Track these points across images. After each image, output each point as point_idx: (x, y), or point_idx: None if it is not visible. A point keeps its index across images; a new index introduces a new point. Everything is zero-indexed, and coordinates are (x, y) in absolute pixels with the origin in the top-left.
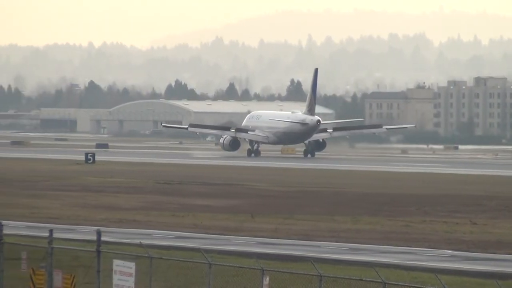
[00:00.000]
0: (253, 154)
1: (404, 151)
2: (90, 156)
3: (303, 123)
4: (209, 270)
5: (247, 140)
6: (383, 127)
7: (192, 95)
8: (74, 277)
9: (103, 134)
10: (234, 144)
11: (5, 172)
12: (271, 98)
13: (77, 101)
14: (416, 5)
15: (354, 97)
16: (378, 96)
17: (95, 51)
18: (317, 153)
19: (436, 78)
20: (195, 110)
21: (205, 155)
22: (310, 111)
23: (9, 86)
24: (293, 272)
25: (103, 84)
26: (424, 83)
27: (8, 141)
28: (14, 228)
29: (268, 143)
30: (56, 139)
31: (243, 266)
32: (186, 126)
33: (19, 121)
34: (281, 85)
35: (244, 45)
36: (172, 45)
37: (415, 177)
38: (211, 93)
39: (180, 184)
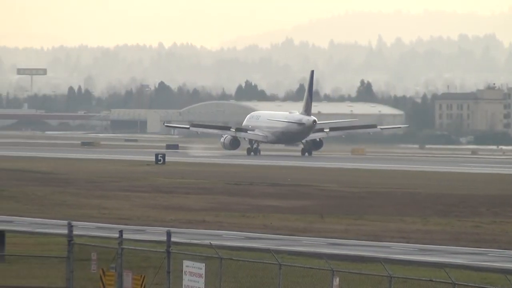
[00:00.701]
0: (252, 153)
1: (474, 152)
2: (160, 157)
3: (300, 123)
4: (279, 271)
5: (246, 139)
6: (378, 127)
7: (262, 96)
8: (144, 278)
9: (173, 135)
10: (234, 143)
11: (76, 173)
12: (341, 99)
13: (147, 102)
14: (486, 6)
15: (424, 98)
16: (448, 97)
17: (165, 52)
18: (314, 152)
19: (506, 79)
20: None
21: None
22: (307, 111)
23: (79, 87)
24: (363, 273)
25: (173, 85)
26: (494, 84)
27: (79, 142)
28: (84, 229)
29: (267, 142)
30: (126, 140)
31: (313, 267)
32: (188, 126)
33: (89, 122)
34: (351, 86)
35: (314, 46)
36: (242, 46)
37: (485, 178)
38: (281, 94)
39: (250, 184)
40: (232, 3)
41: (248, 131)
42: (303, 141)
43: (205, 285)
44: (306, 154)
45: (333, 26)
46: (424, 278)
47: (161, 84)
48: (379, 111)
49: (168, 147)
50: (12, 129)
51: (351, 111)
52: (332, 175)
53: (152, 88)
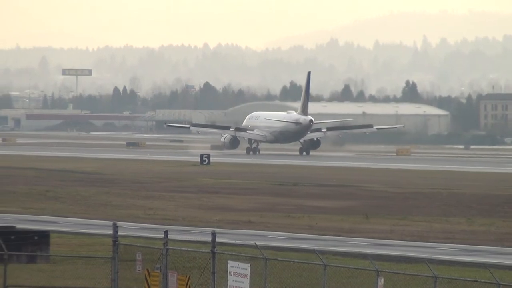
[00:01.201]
0: (251, 152)
1: None
2: (206, 157)
3: (297, 123)
4: (324, 272)
5: (246, 138)
6: (374, 127)
7: None
8: (189, 279)
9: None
10: (233, 143)
11: (121, 173)
12: (386, 99)
13: (192, 102)
14: None
15: (468, 98)
16: (493, 97)
17: (210, 52)
18: (312, 152)
19: None
20: (310, 111)
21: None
22: (304, 111)
23: (125, 88)
24: (408, 274)
25: (218, 86)
26: None
27: (124, 142)
28: (129, 229)
29: (266, 141)
30: (171, 141)
31: (358, 268)
32: (188, 126)
33: (134, 123)
34: (395, 87)
35: (359, 47)
36: (287, 47)
37: None
38: (326, 95)
39: (295, 185)
40: (277, 3)
41: (247, 131)
42: (301, 140)
43: (250, 285)
44: (304, 153)
45: (378, 27)
46: (469, 279)
47: (206, 84)
48: (424, 111)
49: (213, 147)
50: (57, 129)
51: (396, 111)
52: (377, 176)
53: (197, 88)
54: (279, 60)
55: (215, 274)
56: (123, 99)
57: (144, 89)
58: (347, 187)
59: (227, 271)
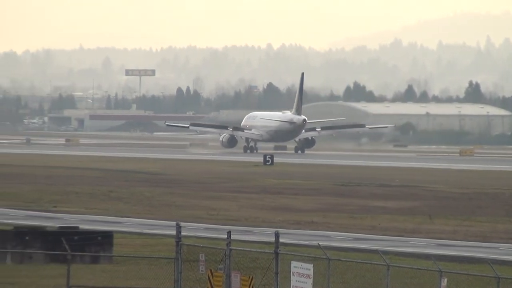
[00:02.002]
0: (248, 151)
1: None
2: (269, 157)
3: (291, 122)
4: (387, 272)
5: (243, 138)
6: (366, 126)
7: (370, 97)
8: (252, 279)
9: None
10: (231, 142)
11: (184, 173)
12: (449, 100)
13: (256, 102)
14: None
15: None
16: None
17: (274, 52)
18: (307, 150)
19: None
20: (373, 112)
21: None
22: (297, 111)
23: (188, 88)
24: (471, 274)
25: (282, 86)
26: None
27: (187, 143)
28: (192, 229)
29: (262, 140)
30: None
31: (421, 268)
32: (187, 125)
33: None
34: (459, 87)
35: (423, 47)
36: (350, 47)
37: None
38: (389, 95)
39: (358, 185)
40: (341, 4)
41: (244, 130)
42: (297, 139)
43: (313, 286)
44: (299, 152)
45: (441, 27)
46: None
47: (270, 85)
48: (487, 112)
49: (276, 148)
50: (120, 130)
51: (459, 111)
52: (441, 176)
53: (261, 89)
54: (342, 60)
55: (278, 274)
56: (187, 100)
57: (208, 90)
58: (411, 188)
59: (290, 272)
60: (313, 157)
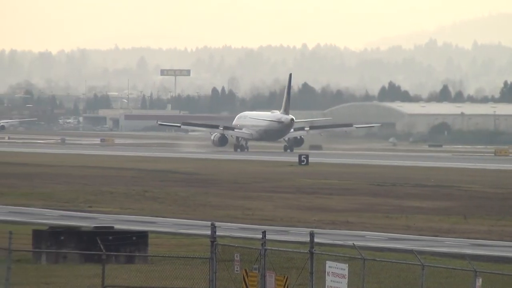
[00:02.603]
0: (239, 150)
1: None
2: (304, 157)
3: (279, 122)
4: (422, 272)
5: (233, 137)
6: (353, 126)
7: (405, 97)
8: (287, 279)
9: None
10: (222, 141)
11: (219, 173)
12: (484, 100)
13: (290, 102)
14: None
15: None
16: None
17: (309, 52)
18: (296, 149)
19: None
20: (408, 112)
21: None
22: (286, 111)
23: (223, 88)
24: (506, 274)
25: (317, 86)
26: None
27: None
28: (227, 229)
29: (252, 139)
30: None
31: (456, 268)
32: (179, 124)
33: None
34: (494, 87)
35: (458, 47)
36: (385, 47)
37: None
38: (424, 95)
39: (393, 185)
40: (376, 4)
41: (235, 129)
42: (286, 138)
43: (348, 286)
44: (288, 150)
45: (477, 27)
46: None
47: (305, 85)
48: None
49: (312, 147)
50: (155, 130)
51: (494, 111)
52: (476, 176)
53: (296, 89)
54: (377, 60)
55: (313, 274)
56: (222, 100)
57: (243, 90)
58: (446, 188)
59: (325, 271)
60: (348, 157)
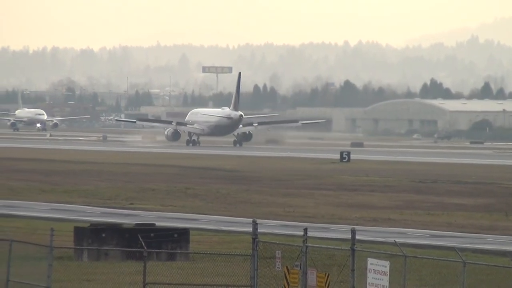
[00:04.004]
0: (191, 144)
1: None
2: (346, 155)
3: (229, 118)
4: (463, 269)
5: (186, 132)
6: (299, 122)
7: (447, 94)
8: (328, 276)
9: (358, 133)
10: (175, 136)
11: (261, 171)
12: None
13: (332, 100)
14: None
15: None
16: None
17: (351, 49)
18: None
19: None
20: (450, 109)
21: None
22: (235, 107)
23: (265, 85)
24: None
25: (358, 83)
26: None
27: (263, 140)
28: (269, 226)
29: (203, 134)
30: (312, 138)
31: (498, 265)
32: (135, 120)
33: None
34: None
35: (500, 44)
36: (427, 44)
37: None
38: (466, 92)
39: (434, 182)
40: (417, 1)
41: (187, 125)
42: (235, 133)
43: (389, 283)
44: (238, 145)
45: None
46: None
47: (347, 82)
48: None
49: (353, 145)
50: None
51: None
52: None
53: (337, 86)
54: (419, 57)
55: (355, 271)
56: (263, 97)
57: (284, 87)
58: (487, 185)
59: (366, 268)
60: (390, 154)
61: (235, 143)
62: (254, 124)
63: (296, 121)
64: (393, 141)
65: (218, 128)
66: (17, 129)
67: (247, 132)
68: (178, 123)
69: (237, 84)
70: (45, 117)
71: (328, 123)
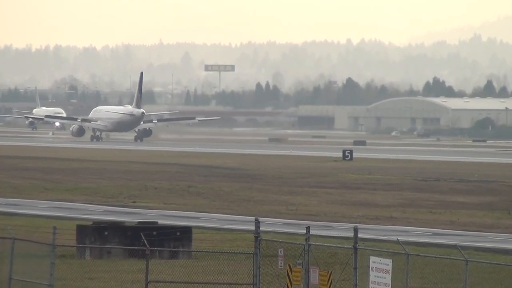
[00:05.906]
0: (95, 140)
1: None
2: (348, 153)
3: (131, 115)
4: (465, 267)
5: (90, 128)
6: (196, 118)
7: (449, 92)
8: (330, 274)
9: (360, 131)
10: (80, 131)
11: (263, 169)
12: None
13: (335, 98)
14: None
15: None
16: None
17: (353, 48)
18: (145, 139)
19: None
20: (452, 107)
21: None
22: (137, 105)
23: (267, 83)
24: None
25: (361, 81)
26: None
27: (266, 138)
28: (271, 225)
29: (107, 130)
30: (314, 136)
31: (500, 263)
32: (43, 117)
33: (276, 118)
34: None
35: (503, 43)
36: (430, 42)
37: None
38: (468, 90)
39: (437, 180)
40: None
41: (92, 122)
42: (136, 129)
43: (391, 281)
44: (138, 140)
45: None
46: None
47: (349, 80)
48: None
49: (356, 143)
50: (198, 125)
51: None
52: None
53: (340, 84)
54: (422, 55)
55: (357, 269)
56: (266, 95)
57: (287, 85)
58: (490, 183)
59: (369, 267)
60: (392, 152)
61: (136, 138)
62: (153, 121)
63: (193, 117)
64: (395, 140)
65: (120, 124)
66: (35, 128)
67: (147, 129)
68: (83, 120)
69: (139, 83)
70: (64, 116)
71: (330, 121)
